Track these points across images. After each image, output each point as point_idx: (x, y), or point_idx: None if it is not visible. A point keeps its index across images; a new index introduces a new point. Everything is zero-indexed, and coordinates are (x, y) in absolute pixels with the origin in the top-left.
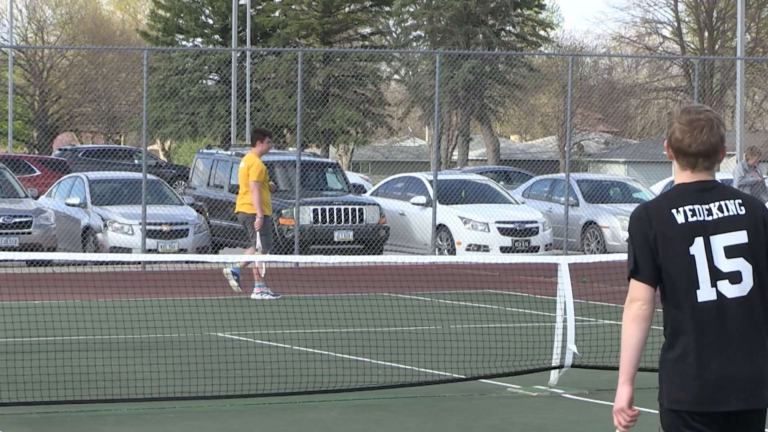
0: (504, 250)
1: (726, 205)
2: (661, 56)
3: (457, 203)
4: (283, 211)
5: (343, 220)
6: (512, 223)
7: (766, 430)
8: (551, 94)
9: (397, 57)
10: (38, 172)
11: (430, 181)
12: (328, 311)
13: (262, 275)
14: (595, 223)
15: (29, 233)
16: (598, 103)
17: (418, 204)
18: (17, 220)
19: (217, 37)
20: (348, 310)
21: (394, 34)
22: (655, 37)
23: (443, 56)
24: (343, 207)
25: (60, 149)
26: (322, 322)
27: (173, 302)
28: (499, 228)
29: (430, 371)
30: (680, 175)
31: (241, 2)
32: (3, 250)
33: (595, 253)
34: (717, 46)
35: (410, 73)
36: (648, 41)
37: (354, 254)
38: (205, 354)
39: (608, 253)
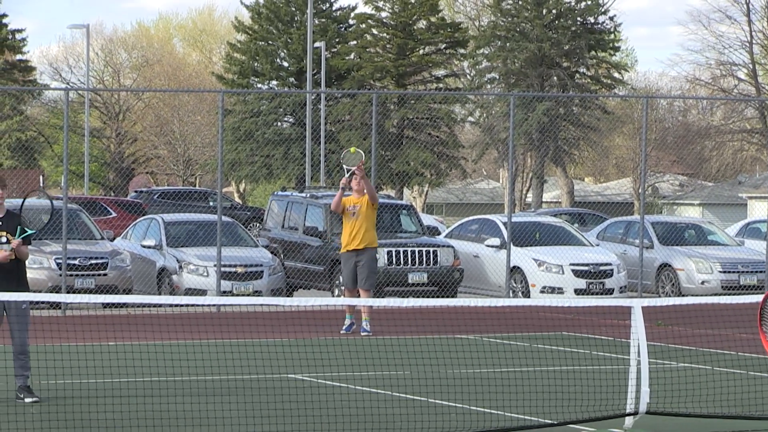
0: (578, 292)
1: None
2: (736, 98)
3: (531, 245)
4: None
5: (417, 263)
6: (587, 265)
7: None
8: (625, 136)
9: (472, 99)
10: (114, 214)
11: (505, 223)
12: (403, 353)
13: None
14: (670, 266)
15: (105, 275)
16: (672, 145)
17: (492, 246)
18: (93, 262)
19: (292, 79)
20: (423, 352)
21: (468, 76)
22: (730, 79)
23: (518, 98)
24: (417, 249)
25: (136, 191)
26: (398, 364)
27: (248, 344)
28: (573, 270)
29: (506, 414)
30: None
31: (315, 45)
32: (79, 292)
33: (669, 296)
34: None
35: (484, 115)
36: (723, 83)
37: (428, 296)
38: (280, 396)
39: (683, 296)
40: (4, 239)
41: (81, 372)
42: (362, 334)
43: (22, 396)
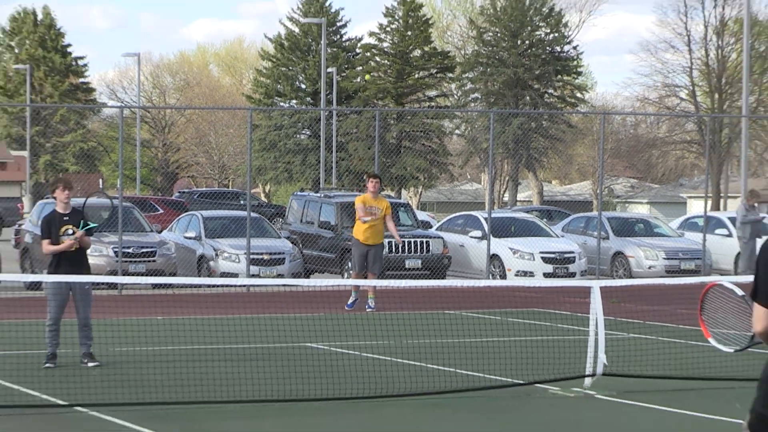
0: (546, 275)
1: None
2: (678, 114)
3: (507, 237)
4: None
5: (412, 251)
6: (553, 253)
7: None
8: (586, 146)
9: (458, 115)
10: (161, 211)
11: (485, 219)
12: (401, 326)
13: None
14: (622, 254)
15: (154, 261)
16: (625, 153)
17: (475, 237)
18: (144, 250)
19: (308, 99)
20: (417, 325)
21: (455, 96)
22: (673, 99)
23: (496, 114)
24: (412, 240)
25: (179, 192)
26: (397, 335)
27: (272, 318)
28: (542, 257)
29: (486, 376)
30: None
31: (328, 70)
32: (132, 275)
33: (622, 278)
34: (725, 106)
35: (469, 128)
36: (667, 102)
37: (422, 279)
38: (299, 361)
39: (633, 278)
40: (70, 231)
41: (134, 341)
42: (367, 310)
43: (85, 361)
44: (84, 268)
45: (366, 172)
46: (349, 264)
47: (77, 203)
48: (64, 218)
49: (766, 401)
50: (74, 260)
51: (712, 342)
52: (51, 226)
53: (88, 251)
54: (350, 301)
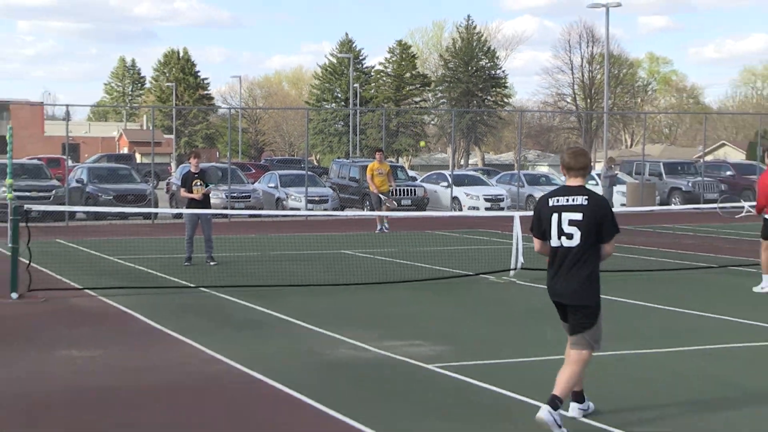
0: (487, 209)
1: (574, 198)
2: (565, 112)
3: (462, 186)
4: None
5: (406, 194)
6: (490, 195)
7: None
8: (510, 131)
9: (433, 112)
10: (253, 171)
11: (450, 175)
12: (398, 240)
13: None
14: (532, 196)
15: (249, 200)
16: (534, 135)
17: (443, 186)
18: (243, 194)
19: (342, 103)
20: (407, 239)
21: (431, 100)
22: (562, 102)
23: (456, 112)
24: (406, 187)
25: (265, 159)
26: (397, 245)
27: (320, 236)
28: (484, 198)
29: (448, 269)
30: (567, 181)
31: (354, 86)
32: (236, 209)
33: (531, 210)
34: (594, 106)
35: (439, 120)
36: (559, 104)
37: (411, 211)
38: (338, 261)
39: None
40: (198, 184)
41: (238, 249)
42: (385, 231)
43: (208, 261)
44: (207, 205)
45: (376, 148)
46: (369, 203)
47: (204, 166)
48: (195, 176)
49: None
50: (202, 201)
51: None
52: (187, 181)
53: (211, 195)
54: (378, 228)
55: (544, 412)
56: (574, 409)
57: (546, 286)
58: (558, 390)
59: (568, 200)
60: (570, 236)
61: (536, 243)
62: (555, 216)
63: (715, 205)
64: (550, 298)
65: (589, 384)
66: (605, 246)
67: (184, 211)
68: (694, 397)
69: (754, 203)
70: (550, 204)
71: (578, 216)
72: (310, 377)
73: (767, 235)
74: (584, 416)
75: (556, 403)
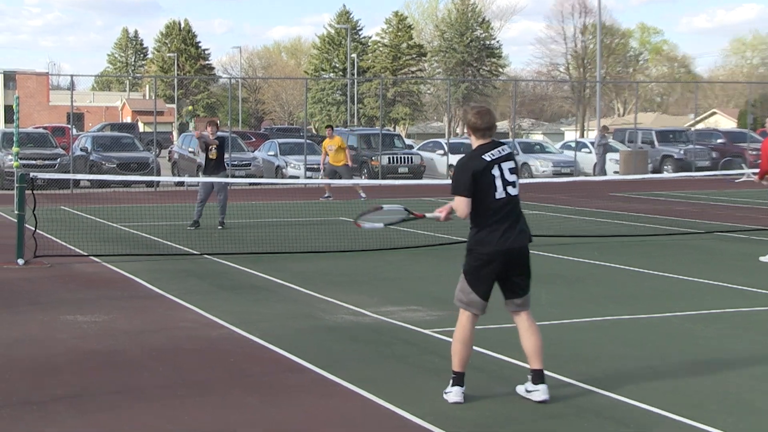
0: None
1: (502, 149)
2: (559, 81)
3: (458, 154)
4: (373, 158)
5: (403, 162)
6: None
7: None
8: (505, 100)
9: (429, 81)
10: (254, 139)
11: (446, 143)
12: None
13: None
14: (527, 163)
15: (250, 168)
16: (528, 103)
17: (440, 154)
18: (244, 162)
19: (340, 72)
20: (410, 203)
21: (427, 70)
22: (556, 72)
23: (452, 81)
24: (403, 155)
25: (264, 128)
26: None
27: (319, 204)
28: None
29: (444, 236)
30: (477, 141)
31: (352, 56)
32: (236, 177)
33: (527, 178)
34: (588, 75)
35: (436, 89)
36: (553, 74)
37: (408, 179)
38: (337, 228)
39: (533, 178)
40: (212, 149)
41: (239, 216)
42: (362, 197)
43: (220, 227)
44: (223, 170)
45: (375, 117)
46: (365, 171)
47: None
48: (209, 144)
49: None
50: (216, 168)
51: (365, 226)
52: (205, 146)
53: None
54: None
55: (545, 393)
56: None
57: (491, 247)
58: (540, 362)
59: (500, 152)
60: (514, 184)
61: (464, 205)
62: (496, 168)
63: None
64: (498, 257)
65: (587, 347)
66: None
67: (192, 179)
68: (688, 359)
69: (754, 170)
70: (488, 159)
71: (513, 164)
72: (309, 341)
73: None
74: (580, 381)
75: (544, 376)
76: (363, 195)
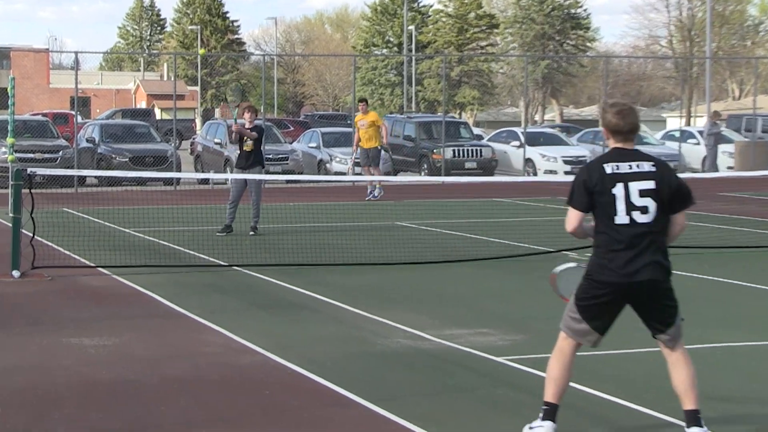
0: (566, 173)
1: (639, 164)
2: (660, 57)
3: (538, 145)
4: (435, 150)
5: (470, 156)
6: (571, 157)
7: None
8: (593, 80)
9: (502, 59)
10: (292, 128)
11: (522, 133)
12: (462, 210)
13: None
14: None
15: (287, 163)
16: (621, 84)
17: (514, 146)
18: (280, 156)
19: (395, 49)
20: (472, 208)
21: (499, 45)
22: (656, 46)
23: (529, 58)
24: (470, 148)
25: (305, 115)
26: (458, 216)
27: (370, 205)
28: (563, 160)
29: (521, 244)
30: (614, 145)
31: (409, 28)
32: (272, 173)
33: None
34: (695, 50)
35: (509, 68)
36: (653, 48)
37: (477, 176)
38: (390, 235)
39: None
40: (249, 141)
41: (273, 220)
42: (374, 198)
43: (252, 233)
44: (260, 165)
45: (437, 101)
46: (425, 167)
47: (232, 123)
48: (248, 129)
49: None
50: (251, 164)
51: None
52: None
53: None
54: (369, 193)
55: None
56: None
57: (606, 276)
58: (694, 401)
59: (631, 167)
60: (644, 210)
61: (571, 217)
62: (620, 187)
63: None
64: (616, 289)
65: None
66: (677, 218)
67: (215, 176)
68: None
69: None
70: (608, 171)
71: (650, 185)
72: (357, 370)
73: None
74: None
75: (700, 418)
76: (376, 193)
